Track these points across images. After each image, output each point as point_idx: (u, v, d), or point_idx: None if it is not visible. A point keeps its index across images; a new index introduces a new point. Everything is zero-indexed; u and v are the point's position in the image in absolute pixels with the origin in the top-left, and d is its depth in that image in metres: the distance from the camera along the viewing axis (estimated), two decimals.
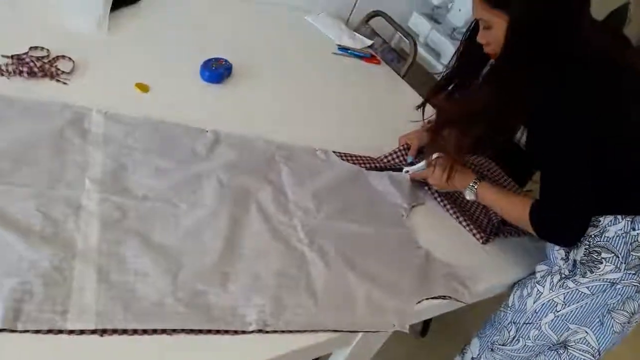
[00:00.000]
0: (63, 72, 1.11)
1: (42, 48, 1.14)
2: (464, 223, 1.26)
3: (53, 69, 1.09)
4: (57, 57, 1.13)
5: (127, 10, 1.43)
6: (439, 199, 1.30)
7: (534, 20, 0.94)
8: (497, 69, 1.05)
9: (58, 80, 1.09)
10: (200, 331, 0.78)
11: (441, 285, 1.05)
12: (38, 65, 1.08)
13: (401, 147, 1.35)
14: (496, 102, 1.00)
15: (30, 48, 1.12)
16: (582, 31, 0.96)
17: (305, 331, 0.85)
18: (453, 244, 1.19)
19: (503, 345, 1.15)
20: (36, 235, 0.78)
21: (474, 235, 1.24)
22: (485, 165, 1.50)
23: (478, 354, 1.22)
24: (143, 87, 1.20)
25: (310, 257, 0.97)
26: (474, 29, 1.11)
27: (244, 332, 0.80)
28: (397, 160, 1.33)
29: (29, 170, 0.87)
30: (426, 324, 1.81)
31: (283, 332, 0.83)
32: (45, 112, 1.00)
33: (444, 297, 1.03)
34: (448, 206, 1.28)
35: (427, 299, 1.01)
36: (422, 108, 1.30)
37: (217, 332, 0.79)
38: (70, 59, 1.15)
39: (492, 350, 1.19)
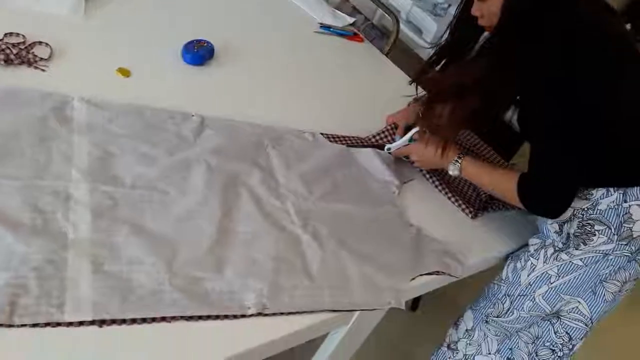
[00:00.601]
0: (41, 58, 1.07)
1: (18, 34, 1.10)
2: (452, 199, 1.27)
3: (30, 56, 1.06)
4: (34, 43, 1.10)
5: None
6: (427, 176, 1.30)
7: None
8: (493, 41, 1.04)
9: (36, 67, 1.05)
10: (199, 317, 0.77)
11: (434, 261, 1.06)
12: (14, 52, 1.04)
13: (389, 127, 1.35)
14: (491, 74, 1.00)
15: (5, 34, 1.08)
16: (577, 4, 0.96)
17: (303, 312, 0.85)
18: (443, 220, 1.20)
19: (497, 317, 1.17)
20: (26, 228, 0.76)
21: (462, 210, 1.26)
22: (470, 140, 1.51)
23: (472, 326, 1.25)
24: (124, 72, 1.17)
25: (304, 240, 0.97)
26: (468, 1, 1.10)
27: (242, 316, 0.81)
28: (384, 140, 1.33)
29: (13, 161, 0.85)
30: (417, 298, 1.84)
31: (282, 314, 0.83)
32: (26, 101, 0.97)
33: (437, 273, 1.05)
34: (437, 182, 1.29)
35: (420, 275, 1.02)
36: (415, 83, 1.29)
37: (217, 317, 0.79)
38: (47, 44, 1.11)
39: (486, 322, 1.21)
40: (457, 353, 1.30)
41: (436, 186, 1.29)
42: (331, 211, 1.07)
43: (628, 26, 2.96)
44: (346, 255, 0.98)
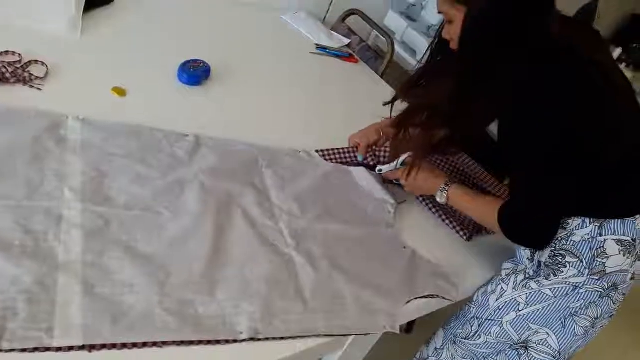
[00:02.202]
0: (37, 77, 1.07)
1: (14, 53, 1.10)
2: (447, 221, 1.27)
3: (26, 75, 1.06)
4: (30, 62, 1.10)
5: (100, 12, 1.39)
6: (420, 198, 1.30)
7: (491, 15, 0.90)
8: (456, 63, 1.01)
9: (32, 86, 1.05)
10: (191, 342, 0.76)
11: (429, 285, 1.05)
12: (10, 70, 1.04)
13: (350, 148, 1.33)
14: (452, 97, 0.97)
15: (1, 53, 1.08)
16: (548, 27, 0.93)
17: (297, 337, 0.84)
18: (437, 242, 1.20)
19: (465, 339, 1.15)
20: (16, 249, 0.75)
21: (457, 232, 1.25)
22: (465, 162, 1.52)
23: (442, 345, 1.22)
24: (120, 91, 1.17)
25: (298, 261, 0.96)
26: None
27: (234, 340, 0.79)
28: (347, 155, 1.32)
29: (5, 181, 0.84)
30: (411, 320, 1.82)
31: (275, 338, 0.82)
32: (20, 120, 0.96)
33: (431, 296, 1.04)
34: (430, 205, 1.29)
35: (415, 298, 1.01)
36: (391, 105, 1.24)
37: (209, 342, 0.77)
38: (43, 63, 1.11)
39: (454, 342, 1.18)
40: None
41: (430, 209, 1.29)
42: (325, 232, 1.06)
43: (619, 50, 3.01)
44: (340, 278, 0.97)
